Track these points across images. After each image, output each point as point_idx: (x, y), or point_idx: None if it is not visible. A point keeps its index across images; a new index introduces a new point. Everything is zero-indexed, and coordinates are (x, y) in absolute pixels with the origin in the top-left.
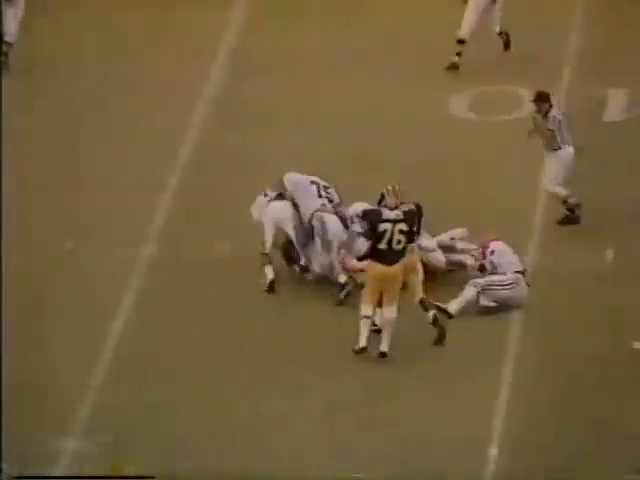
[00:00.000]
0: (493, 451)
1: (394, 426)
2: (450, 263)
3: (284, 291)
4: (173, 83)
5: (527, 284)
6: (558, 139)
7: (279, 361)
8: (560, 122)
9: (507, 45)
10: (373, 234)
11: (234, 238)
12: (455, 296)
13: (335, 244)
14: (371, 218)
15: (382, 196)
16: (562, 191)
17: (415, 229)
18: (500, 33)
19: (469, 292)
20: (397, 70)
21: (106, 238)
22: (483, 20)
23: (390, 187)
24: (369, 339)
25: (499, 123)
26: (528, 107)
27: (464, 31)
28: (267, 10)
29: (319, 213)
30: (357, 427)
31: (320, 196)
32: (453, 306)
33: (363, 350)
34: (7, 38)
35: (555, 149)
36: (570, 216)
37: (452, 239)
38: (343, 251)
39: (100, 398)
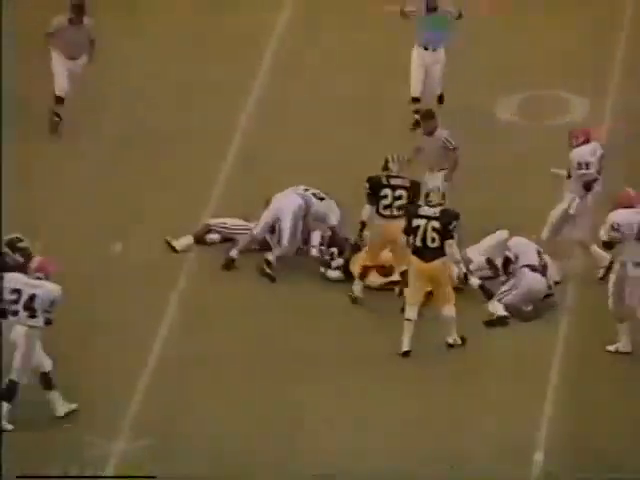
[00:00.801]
0: (538, 455)
1: (438, 427)
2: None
3: (331, 293)
4: (221, 84)
5: (541, 274)
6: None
7: (323, 361)
8: (448, 140)
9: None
10: (409, 228)
11: None
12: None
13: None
14: (408, 212)
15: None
16: None
17: (451, 228)
18: (440, 96)
19: (493, 305)
20: (446, 75)
21: (153, 238)
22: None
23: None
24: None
25: (545, 128)
26: (574, 112)
27: (414, 89)
28: (313, 12)
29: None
30: (400, 427)
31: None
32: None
33: (406, 354)
34: (58, 92)
35: (441, 169)
36: None
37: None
38: None
39: (147, 400)
